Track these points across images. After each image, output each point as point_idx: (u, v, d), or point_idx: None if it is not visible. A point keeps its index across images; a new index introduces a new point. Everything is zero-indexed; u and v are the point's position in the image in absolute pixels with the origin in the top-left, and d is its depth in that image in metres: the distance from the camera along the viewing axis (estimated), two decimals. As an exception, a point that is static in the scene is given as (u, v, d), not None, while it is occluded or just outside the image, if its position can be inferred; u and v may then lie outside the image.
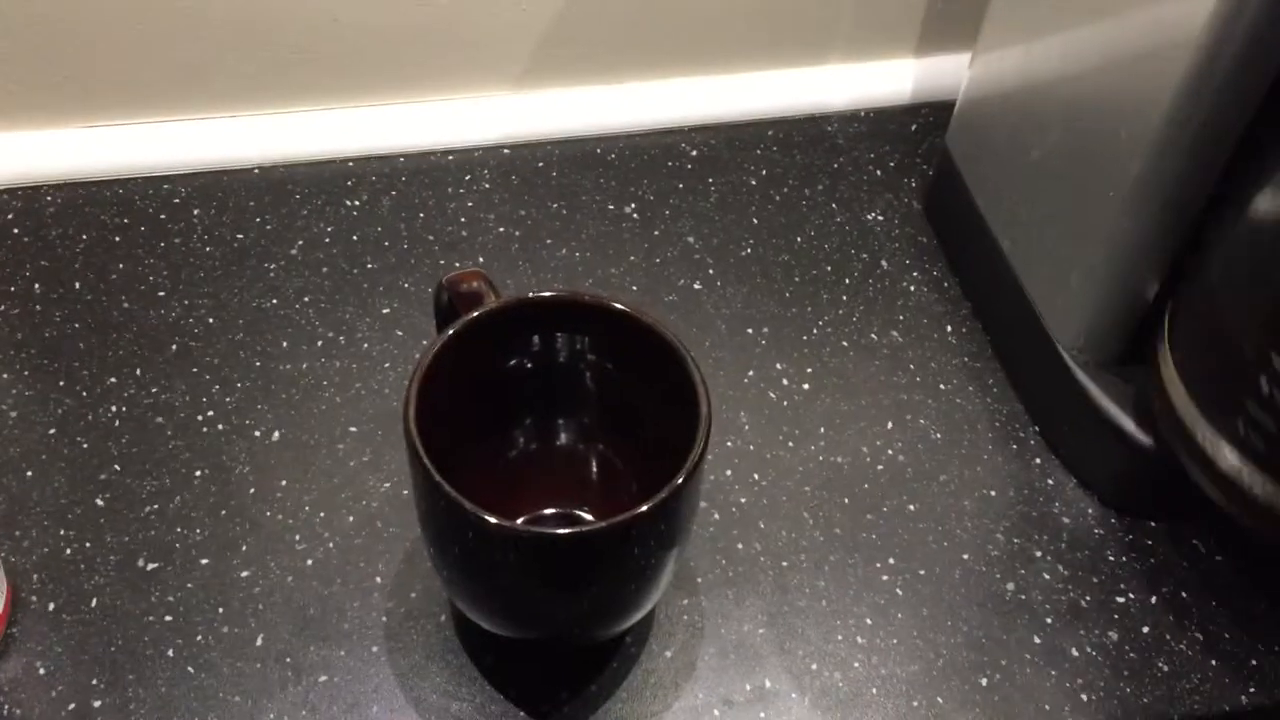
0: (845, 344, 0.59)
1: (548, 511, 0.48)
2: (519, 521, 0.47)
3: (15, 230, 0.61)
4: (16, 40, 0.61)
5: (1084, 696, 0.47)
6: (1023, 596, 0.50)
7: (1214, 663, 0.49)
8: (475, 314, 0.43)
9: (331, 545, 0.50)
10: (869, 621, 0.49)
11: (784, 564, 0.51)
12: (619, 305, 0.44)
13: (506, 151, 0.67)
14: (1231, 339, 0.43)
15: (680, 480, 0.40)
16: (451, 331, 0.42)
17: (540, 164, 0.66)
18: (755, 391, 0.56)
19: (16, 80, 0.63)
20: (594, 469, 0.48)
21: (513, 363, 0.46)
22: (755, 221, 0.64)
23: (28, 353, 0.56)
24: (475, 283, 0.45)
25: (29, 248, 0.60)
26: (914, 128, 0.70)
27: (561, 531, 0.41)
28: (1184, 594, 0.50)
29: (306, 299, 0.59)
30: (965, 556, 0.51)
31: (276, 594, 0.48)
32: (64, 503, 0.51)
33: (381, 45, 0.65)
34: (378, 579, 0.49)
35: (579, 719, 0.46)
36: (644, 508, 0.39)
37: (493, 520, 0.38)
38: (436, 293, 0.46)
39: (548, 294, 0.45)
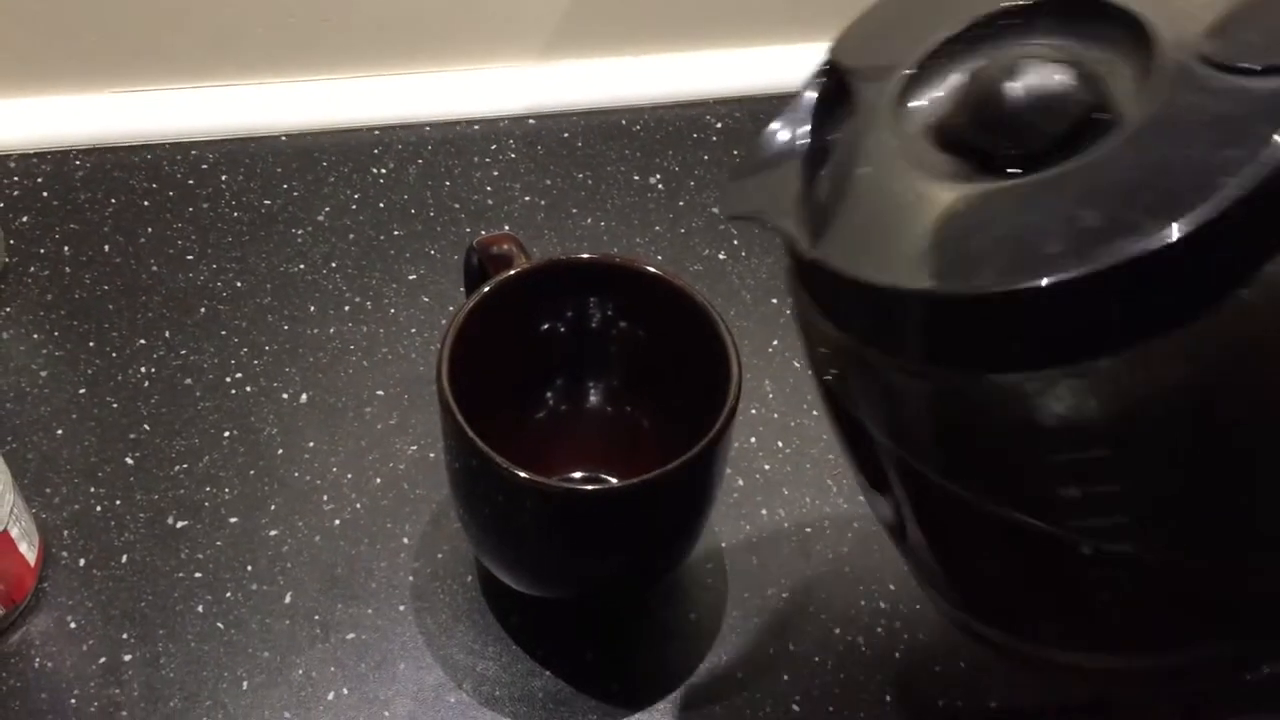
0: (869, 315, 0.59)
1: (575, 474, 0.49)
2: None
3: (45, 194, 0.61)
4: (47, 6, 0.61)
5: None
6: (1045, 565, 0.50)
7: (1235, 633, 0.49)
8: (508, 274, 0.43)
9: (359, 506, 0.50)
10: (892, 587, 0.49)
11: (807, 530, 0.51)
12: (650, 268, 0.44)
13: (532, 122, 0.67)
14: None
15: (709, 440, 0.40)
16: (485, 290, 0.43)
17: (566, 134, 0.67)
18: (780, 360, 0.57)
19: (47, 45, 0.63)
20: (621, 432, 0.49)
21: (543, 325, 0.46)
22: (780, 193, 0.64)
23: (58, 314, 0.56)
24: (506, 245, 0.45)
25: (58, 211, 0.61)
26: (939, 103, 0.70)
27: (590, 488, 0.41)
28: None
29: (334, 264, 0.59)
30: (988, 525, 0.51)
31: (305, 553, 0.49)
32: (94, 461, 0.51)
33: (409, 14, 0.65)
34: (405, 539, 0.49)
35: (603, 678, 0.46)
36: (671, 467, 0.39)
37: (523, 475, 0.39)
38: (467, 255, 0.46)
39: (579, 256, 0.45)
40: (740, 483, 0.52)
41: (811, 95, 0.34)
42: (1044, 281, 0.26)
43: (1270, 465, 0.28)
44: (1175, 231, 0.25)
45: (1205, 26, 0.28)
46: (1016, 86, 0.29)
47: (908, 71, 0.32)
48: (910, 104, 0.31)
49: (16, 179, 0.62)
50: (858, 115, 0.32)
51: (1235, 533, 0.29)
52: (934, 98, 0.31)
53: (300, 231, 0.61)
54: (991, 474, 0.30)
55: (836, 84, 0.33)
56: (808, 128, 0.33)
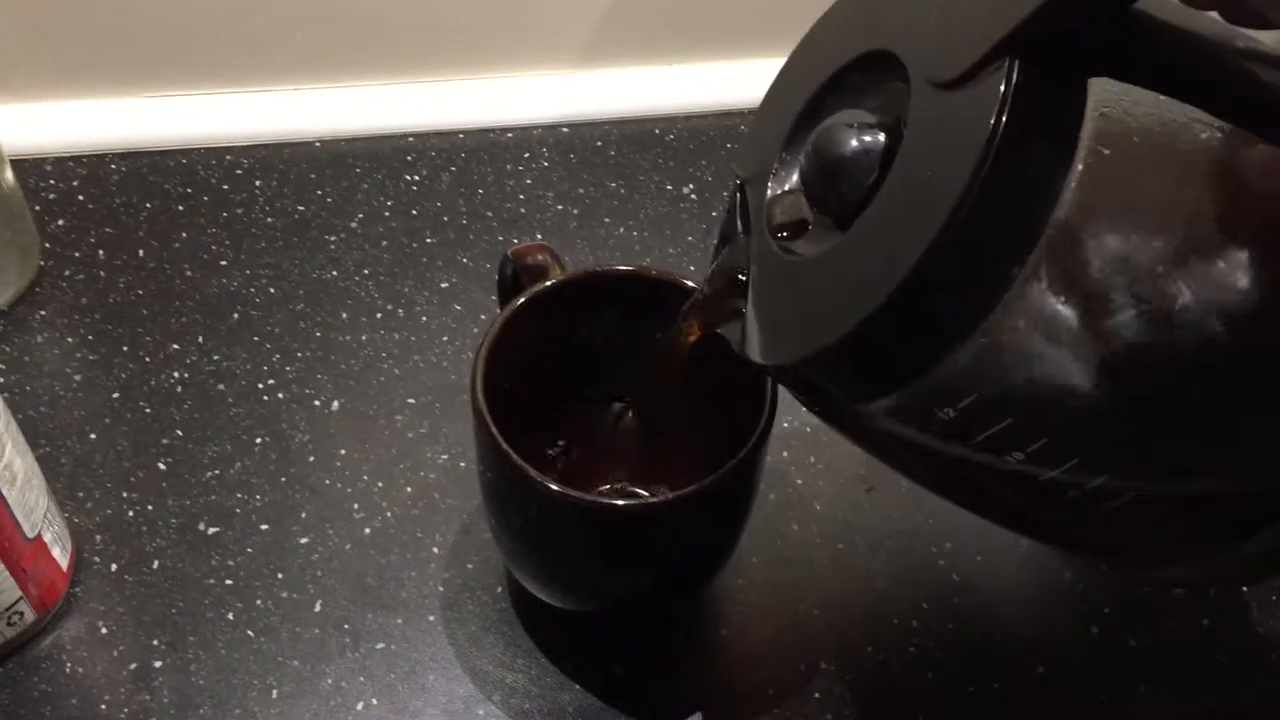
0: (903, 329, 0.58)
1: (607, 488, 0.48)
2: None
3: (80, 197, 0.62)
4: (84, 10, 0.62)
5: (1140, 687, 0.47)
6: (1080, 586, 0.50)
7: (1272, 657, 0.48)
8: (543, 285, 0.43)
9: (389, 515, 0.50)
10: (924, 606, 0.49)
11: (839, 546, 0.50)
12: (687, 281, 0.44)
13: (566, 130, 0.67)
14: None
15: (743, 456, 0.40)
16: (520, 301, 0.43)
17: (599, 143, 0.67)
18: (812, 374, 0.56)
19: (84, 50, 0.63)
20: (655, 445, 0.48)
21: (577, 336, 0.46)
22: (814, 205, 0.64)
23: (92, 318, 0.56)
24: (541, 255, 0.45)
25: (94, 215, 0.61)
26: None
27: (622, 503, 0.41)
28: (1243, 588, 0.50)
29: (366, 271, 0.59)
30: (1022, 544, 0.51)
31: (335, 561, 0.49)
32: (127, 466, 0.51)
33: (444, 21, 0.65)
34: (435, 549, 0.49)
35: (632, 694, 0.46)
36: (706, 482, 0.39)
37: (556, 488, 0.38)
38: (501, 265, 0.46)
39: (615, 268, 0.45)
40: (772, 497, 0.52)
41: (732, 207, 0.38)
42: (853, 325, 0.29)
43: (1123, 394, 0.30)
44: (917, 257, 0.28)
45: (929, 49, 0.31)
46: (823, 158, 0.32)
47: (773, 169, 0.36)
48: (777, 197, 0.35)
49: (52, 182, 0.62)
50: (752, 220, 0.36)
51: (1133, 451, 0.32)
52: (787, 188, 0.35)
53: (333, 238, 0.61)
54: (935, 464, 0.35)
55: (741, 195, 0.37)
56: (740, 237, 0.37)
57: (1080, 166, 0.28)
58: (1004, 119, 0.27)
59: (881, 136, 0.31)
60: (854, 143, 0.31)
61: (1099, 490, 0.32)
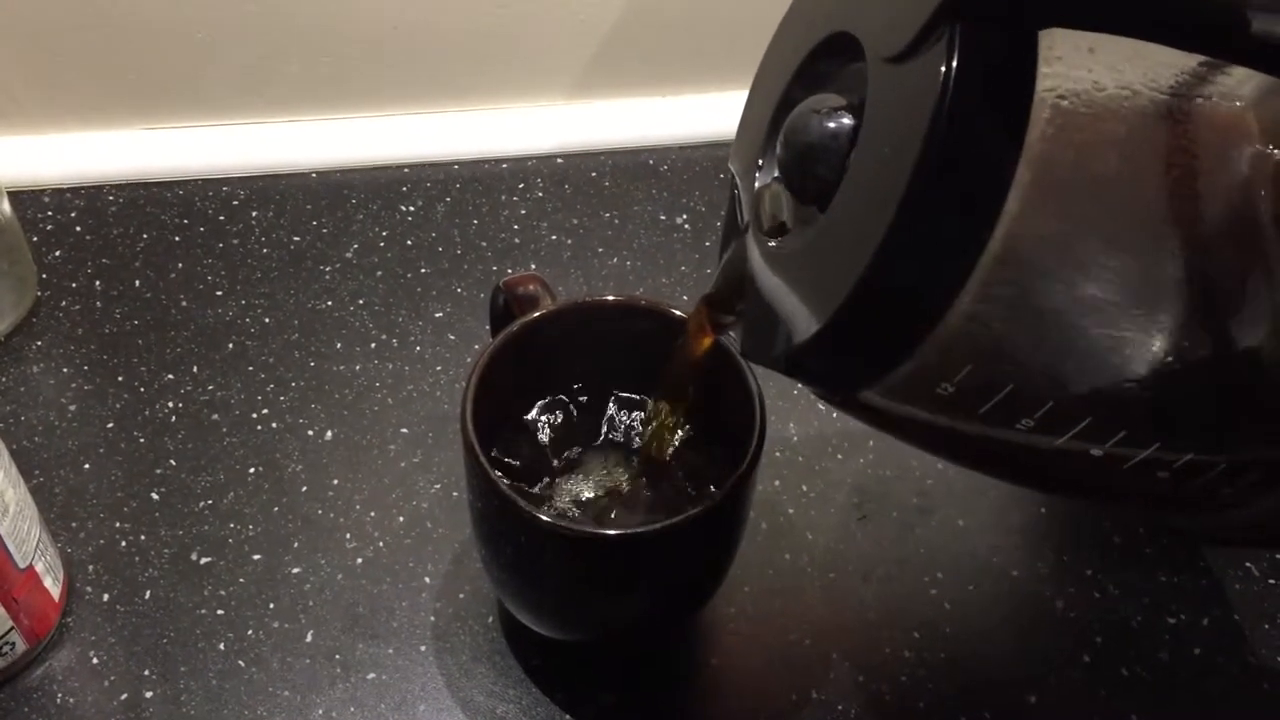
0: (895, 358, 0.59)
1: (596, 515, 0.48)
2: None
3: (78, 228, 0.62)
4: (81, 42, 0.62)
5: (1133, 717, 0.47)
6: (1072, 614, 0.50)
7: (1265, 686, 0.48)
8: (533, 315, 0.43)
9: (381, 544, 0.50)
10: (916, 635, 0.49)
11: (831, 575, 0.50)
12: (676, 311, 0.44)
13: (560, 161, 0.68)
14: None
15: (731, 485, 0.40)
16: (511, 331, 0.43)
17: (593, 174, 0.67)
18: (805, 403, 0.56)
19: (81, 82, 0.64)
20: (647, 474, 0.48)
21: (567, 366, 0.46)
22: (806, 235, 0.64)
23: (87, 348, 0.57)
24: (532, 286, 0.45)
25: (90, 245, 0.61)
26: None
27: (611, 532, 0.41)
28: (1235, 616, 0.50)
29: (361, 302, 0.60)
30: (1014, 573, 0.51)
31: (326, 591, 0.49)
32: (120, 496, 0.51)
33: (439, 53, 0.66)
34: (426, 579, 0.49)
35: (624, 723, 0.46)
36: (696, 511, 0.39)
37: (545, 518, 0.39)
38: (493, 295, 0.46)
39: (604, 299, 0.45)
40: (764, 526, 0.52)
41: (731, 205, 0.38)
42: (844, 298, 0.29)
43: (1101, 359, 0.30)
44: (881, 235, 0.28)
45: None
46: (793, 147, 0.32)
47: (759, 162, 0.36)
48: (760, 190, 0.35)
49: (50, 213, 0.63)
50: (744, 216, 0.36)
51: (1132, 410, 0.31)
52: (770, 180, 0.35)
53: (328, 268, 0.61)
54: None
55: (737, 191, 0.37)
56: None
57: (1039, 121, 0.28)
58: (950, 86, 0.27)
59: (847, 119, 0.31)
60: (819, 128, 0.31)
61: (1121, 448, 0.31)
